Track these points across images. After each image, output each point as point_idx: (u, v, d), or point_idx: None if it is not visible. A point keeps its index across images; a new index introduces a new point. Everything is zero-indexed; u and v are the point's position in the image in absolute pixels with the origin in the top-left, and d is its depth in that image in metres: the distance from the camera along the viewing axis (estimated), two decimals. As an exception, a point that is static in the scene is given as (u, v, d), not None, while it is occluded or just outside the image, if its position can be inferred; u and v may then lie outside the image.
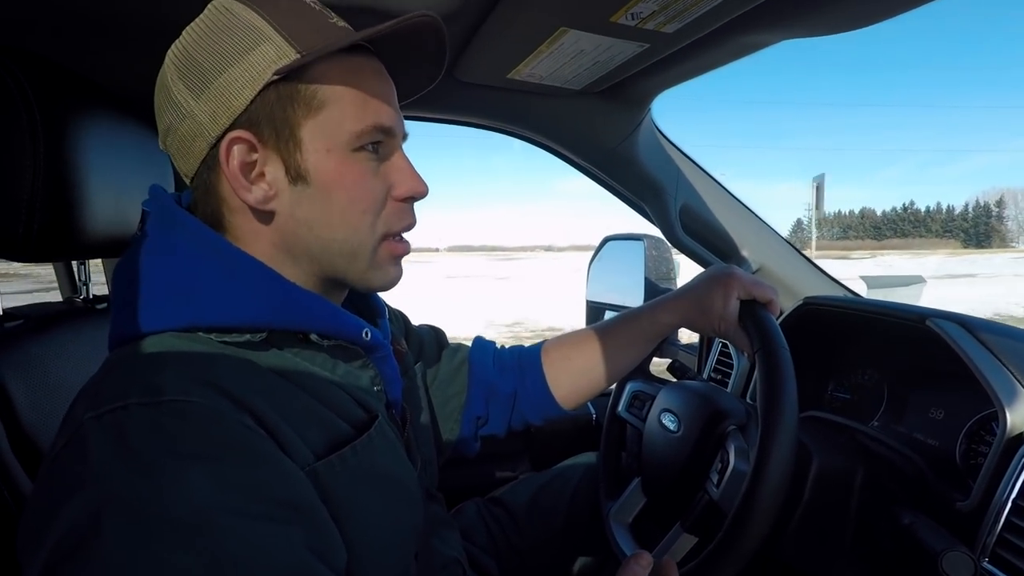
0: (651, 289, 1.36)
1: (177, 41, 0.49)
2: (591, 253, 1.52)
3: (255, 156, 0.48)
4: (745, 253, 1.14)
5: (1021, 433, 0.62)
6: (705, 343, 1.27)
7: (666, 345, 1.45)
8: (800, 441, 0.71)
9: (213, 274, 0.48)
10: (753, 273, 1.14)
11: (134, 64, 0.80)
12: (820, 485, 0.69)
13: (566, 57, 0.80)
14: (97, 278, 0.88)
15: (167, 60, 0.50)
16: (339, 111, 0.48)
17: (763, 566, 0.76)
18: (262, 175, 0.49)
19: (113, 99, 0.74)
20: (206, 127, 0.48)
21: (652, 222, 1.18)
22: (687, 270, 1.33)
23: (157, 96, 0.51)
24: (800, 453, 0.70)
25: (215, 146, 0.48)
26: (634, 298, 1.35)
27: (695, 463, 0.76)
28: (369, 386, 0.56)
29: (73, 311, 0.76)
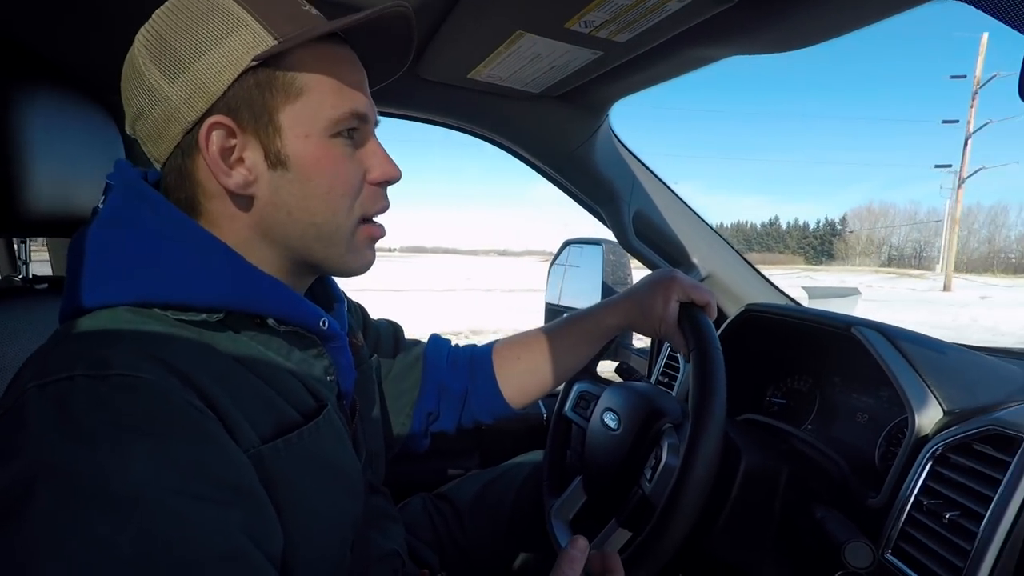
0: (608, 293, 1.38)
1: (148, 24, 0.49)
2: (539, 258, 1.55)
3: (234, 141, 0.49)
4: (695, 260, 1.18)
5: (927, 435, 0.66)
6: (655, 347, 1.31)
7: (619, 348, 1.49)
8: (732, 441, 0.74)
9: (174, 251, 0.48)
10: (702, 280, 1.18)
11: (92, 44, 0.78)
12: (747, 483, 0.72)
13: (524, 60, 0.82)
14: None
15: (137, 43, 0.49)
16: (317, 97, 0.49)
17: (694, 559, 0.78)
18: (241, 160, 0.49)
19: (65, 77, 0.73)
20: (181, 112, 0.48)
21: (607, 226, 1.21)
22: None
23: (126, 80, 0.50)
24: (731, 453, 0.73)
25: (190, 131, 0.48)
26: (591, 301, 1.37)
27: (632, 459, 0.78)
28: (322, 375, 0.57)
29: (10, 290, 0.74)
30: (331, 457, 0.54)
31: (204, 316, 0.47)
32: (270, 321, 0.51)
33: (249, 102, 0.48)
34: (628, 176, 1.13)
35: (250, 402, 0.47)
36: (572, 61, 0.82)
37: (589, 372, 0.97)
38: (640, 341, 1.45)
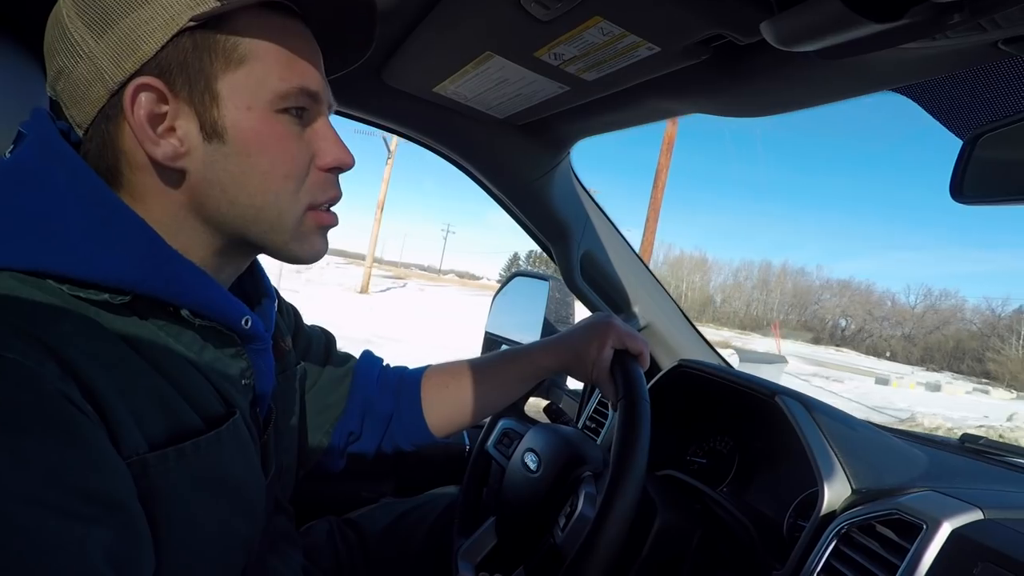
0: (548, 329, 1.37)
1: None
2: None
3: (165, 108, 0.44)
4: (636, 308, 1.18)
5: (834, 511, 0.66)
6: (587, 391, 1.30)
7: (552, 388, 1.47)
8: (649, 497, 0.72)
9: (82, 218, 0.42)
10: (640, 329, 1.19)
11: None
12: (659, 542, 0.70)
13: (491, 83, 0.81)
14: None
15: None
16: (263, 68, 0.46)
17: None
18: (172, 129, 0.45)
19: None
20: (107, 72, 0.43)
21: (555, 263, 1.21)
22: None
23: (49, 33, 0.46)
24: (647, 508, 0.71)
25: (116, 93, 0.44)
26: (531, 336, 1.36)
27: (548, 505, 0.75)
28: (237, 378, 0.52)
29: None
30: (229, 473, 0.49)
31: (106, 296, 0.42)
32: (184, 312, 0.46)
33: (184, 65, 0.44)
34: (582, 216, 1.13)
35: (144, 400, 0.42)
36: (539, 91, 0.82)
37: (516, 409, 0.94)
38: (573, 383, 1.44)
